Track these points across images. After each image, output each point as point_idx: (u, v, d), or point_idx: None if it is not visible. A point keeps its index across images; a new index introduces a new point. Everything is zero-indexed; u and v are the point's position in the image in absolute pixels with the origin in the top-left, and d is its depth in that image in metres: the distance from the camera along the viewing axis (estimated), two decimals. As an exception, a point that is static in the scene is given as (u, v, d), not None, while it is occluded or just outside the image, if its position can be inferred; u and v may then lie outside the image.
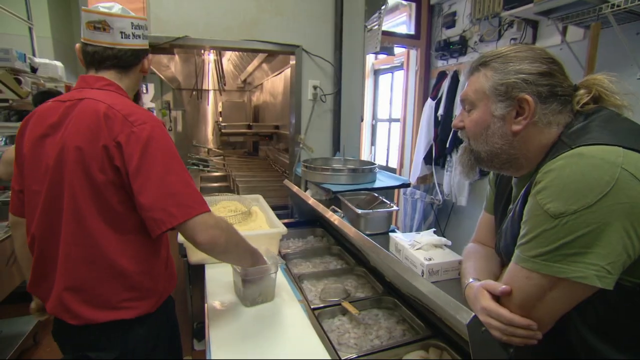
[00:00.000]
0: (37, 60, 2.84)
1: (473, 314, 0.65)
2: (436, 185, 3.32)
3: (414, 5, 3.47)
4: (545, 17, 2.01)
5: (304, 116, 2.23)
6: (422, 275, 1.00)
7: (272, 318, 1.12)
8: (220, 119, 5.24)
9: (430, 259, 1.02)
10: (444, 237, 3.40)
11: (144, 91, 6.49)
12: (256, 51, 2.24)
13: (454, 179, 3.04)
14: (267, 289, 1.22)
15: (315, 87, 2.19)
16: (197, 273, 2.31)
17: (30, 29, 3.01)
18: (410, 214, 3.53)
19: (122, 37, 1.00)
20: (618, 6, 1.66)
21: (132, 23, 1.01)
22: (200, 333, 2.44)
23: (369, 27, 2.36)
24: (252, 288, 1.18)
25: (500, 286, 0.72)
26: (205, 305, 1.21)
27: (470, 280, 0.85)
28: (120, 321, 0.94)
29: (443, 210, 3.40)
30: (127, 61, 1.03)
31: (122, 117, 0.90)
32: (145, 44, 1.06)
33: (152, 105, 6.56)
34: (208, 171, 3.81)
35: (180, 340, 1.19)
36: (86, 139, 0.90)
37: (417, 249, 1.10)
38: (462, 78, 2.96)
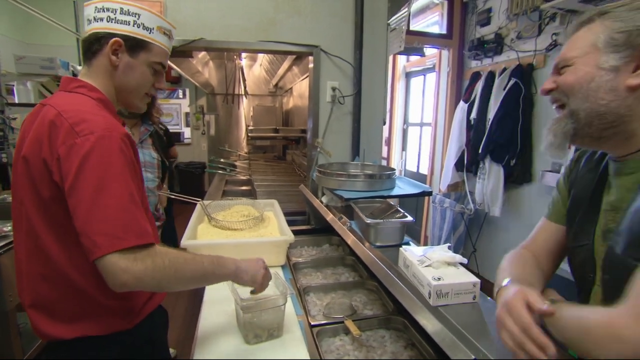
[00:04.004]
0: (79, 68, 2.99)
1: (473, 357, 0.53)
2: (468, 193, 3.11)
3: (446, 3, 3.30)
4: (594, 5, 1.79)
5: (322, 119, 2.15)
6: (429, 297, 0.87)
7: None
8: (251, 123, 5.29)
9: (439, 279, 0.89)
10: (476, 249, 3.18)
11: (181, 96, 6.76)
12: (272, 52, 2.19)
13: (487, 187, 2.82)
14: (273, 324, 1.04)
15: (334, 89, 2.10)
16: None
17: (77, 40, 3.18)
18: (439, 224, 3.33)
19: (87, 24, 0.91)
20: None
21: (95, 7, 0.90)
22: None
23: (392, 25, 2.24)
24: (255, 322, 1.01)
25: (543, 304, 0.59)
26: (195, 336, 1.06)
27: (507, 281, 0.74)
28: (91, 337, 0.87)
29: (475, 220, 3.17)
30: (89, 49, 0.92)
31: (68, 126, 0.79)
32: (109, 27, 0.90)
33: (188, 110, 6.79)
34: (233, 175, 3.82)
35: (168, 353, 1.12)
36: (32, 150, 0.82)
37: (426, 266, 0.97)
38: (492, 79, 2.74)
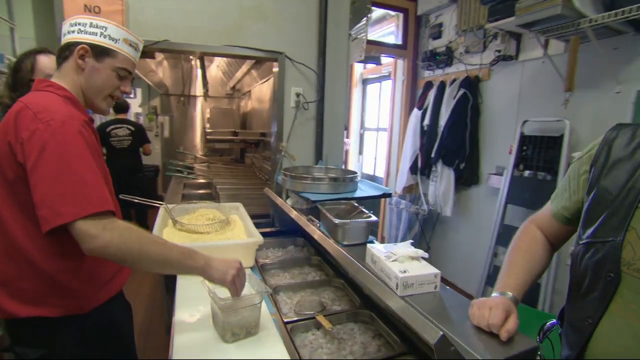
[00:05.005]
0: (14, 59, 2.77)
1: (441, 333, 0.61)
2: (421, 195, 3.31)
3: (401, 15, 3.50)
4: (527, 30, 2.03)
5: (286, 124, 2.20)
6: (397, 288, 0.96)
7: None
8: (208, 125, 5.19)
9: (405, 272, 0.98)
10: (430, 247, 3.40)
11: (132, 95, 6.44)
12: (238, 57, 2.21)
13: (439, 189, 3.03)
14: (251, 322, 1.06)
15: (298, 95, 2.16)
16: (174, 281, 2.22)
17: (12, 30, 2.95)
18: (396, 224, 3.51)
19: (62, 37, 1.06)
20: (596, 21, 1.67)
21: (70, 23, 1.04)
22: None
23: (354, 35, 2.36)
24: (233, 321, 1.02)
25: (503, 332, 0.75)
26: (171, 338, 1.06)
27: (496, 294, 0.84)
28: (47, 318, 0.95)
29: (428, 220, 3.38)
30: (60, 55, 1.05)
31: (32, 114, 0.89)
32: (79, 37, 1.03)
33: (140, 110, 6.49)
34: (193, 178, 3.74)
35: (133, 346, 1.15)
36: (0, 136, 0.93)
37: (393, 260, 1.06)
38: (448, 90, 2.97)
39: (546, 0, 1.64)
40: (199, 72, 5.28)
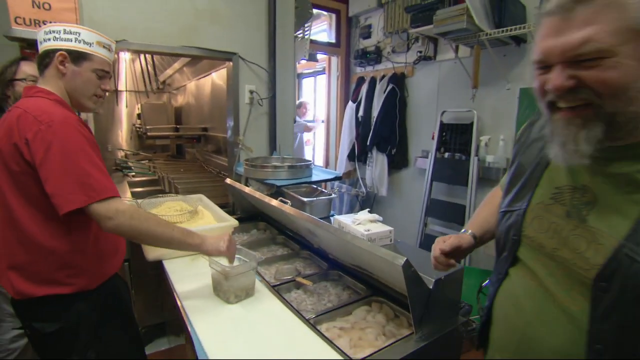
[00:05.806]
0: None
1: (406, 258, 0.92)
2: (359, 179, 3.70)
3: (334, 16, 3.81)
4: (443, 37, 2.47)
5: (241, 119, 2.38)
6: (363, 245, 1.26)
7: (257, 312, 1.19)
8: (139, 121, 5.01)
9: (368, 230, 1.29)
10: (369, 225, 3.78)
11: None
12: (195, 57, 2.31)
13: (375, 172, 3.44)
14: (249, 285, 1.28)
15: (251, 92, 2.35)
16: (139, 279, 2.31)
17: None
18: (338, 206, 3.87)
19: (39, 45, 1.16)
20: (490, 34, 2.17)
21: (44, 31, 1.14)
22: (145, 338, 2.44)
23: (298, 37, 2.60)
24: (236, 284, 1.22)
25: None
26: (184, 312, 1.22)
27: (463, 230, 1.02)
28: (60, 295, 1.08)
29: (367, 201, 3.80)
30: (41, 62, 1.16)
31: (32, 117, 1.02)
32: (55, 44, 1.13)
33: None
34: (133, 176, 3.68)
35: (134, 319, 1.32)
36: (4, 140, 1.06)
37: (358, 224, 1.36)
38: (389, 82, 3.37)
39: (455, 16, 2.08)
40: (125, 65, 5.06)
